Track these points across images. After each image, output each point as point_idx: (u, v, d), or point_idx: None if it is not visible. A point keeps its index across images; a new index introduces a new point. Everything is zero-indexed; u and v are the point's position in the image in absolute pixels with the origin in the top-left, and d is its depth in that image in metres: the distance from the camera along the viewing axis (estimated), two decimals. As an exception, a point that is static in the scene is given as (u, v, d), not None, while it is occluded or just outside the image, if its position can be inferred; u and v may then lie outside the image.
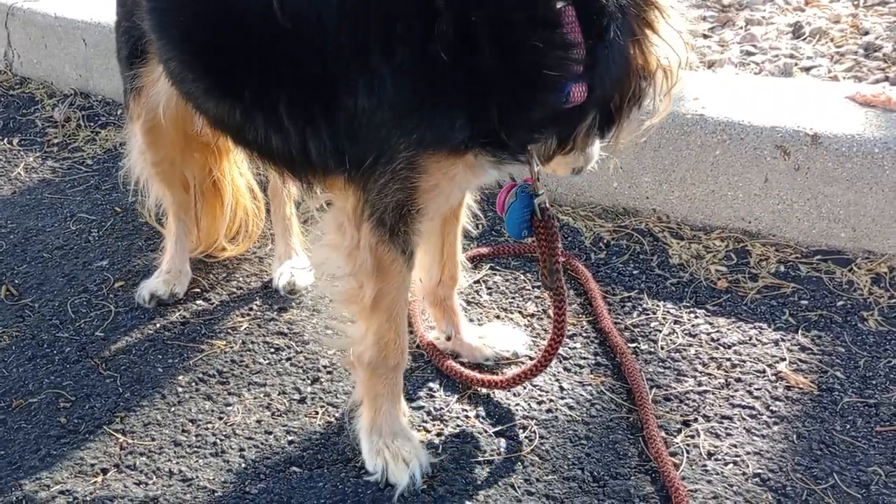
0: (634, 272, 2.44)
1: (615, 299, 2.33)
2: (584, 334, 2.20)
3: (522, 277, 2.43)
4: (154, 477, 1.83)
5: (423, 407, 1.99)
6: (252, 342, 2.22)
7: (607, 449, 1.87)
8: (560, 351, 2.13)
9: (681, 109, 2.56)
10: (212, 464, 1.86)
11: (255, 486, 1.80)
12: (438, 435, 1.92)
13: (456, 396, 2.02)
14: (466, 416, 1.97)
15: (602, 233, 2.60)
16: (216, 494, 1.78)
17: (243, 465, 1.85)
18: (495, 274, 2.45)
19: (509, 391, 2.02)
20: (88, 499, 1.77)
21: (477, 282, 2.42)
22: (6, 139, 3.37)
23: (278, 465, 1.85)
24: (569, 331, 2.21)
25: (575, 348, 2.16)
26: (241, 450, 1.89)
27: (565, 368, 2.09)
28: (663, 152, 2.58)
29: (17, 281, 2.52)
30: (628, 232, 2.60)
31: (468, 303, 2.33)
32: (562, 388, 2.03)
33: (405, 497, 1.75)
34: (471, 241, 2.59)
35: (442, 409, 1.99)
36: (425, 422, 1.96)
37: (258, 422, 1.96)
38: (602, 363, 2.11)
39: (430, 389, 2.04)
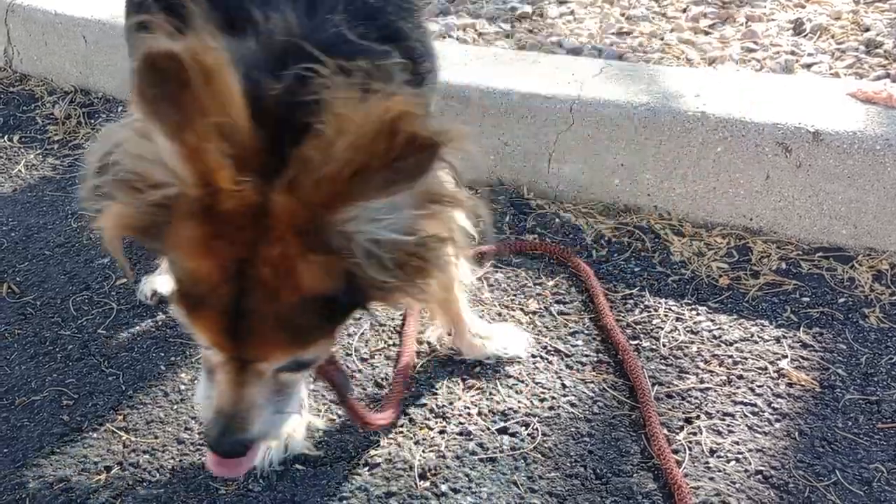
0: (636, 269, 2.44)
1: (617, 296, 2.33)
2: (586, 332, 2.20)
3: (524, 275, 2.43)
4: (157, 475, 1.83)
5: (425, 404, 1.99)
6: (254, 340, 2.22)
7: (610, 446, 1.87)
8: (562, 347, 2.14)
9: (682, 107, 2.56)
10: (215, 461, 1.86)
11: (258, 483, 1.80)
12: (441, 432, 1.92)
13: (459, 394, 2.02)
14: (469, 414, 1.97)
15: (603, 230, 2.60)
16: (220, 492, 1.78)
17: (246, 462, 1.85)
18: (497, 271, 2.45)
19: (499, 390, 2.02)
20: (92, 497, 1.77)
21: (479, 279, 2.42)
22: (6, 136, 3.36)
23: (281, 463, 1.85)
24: (571, 328, 2.21)
25: (577, 346, 2.16)
26: (244, 447, 1.89)
27: (567, 366, 2.09)
28: (664, 149, 2.58)
29: (18, 279, 2.51)
30: (629, 229, 2.60)
31: (470, 301, 2.33)
32: (564, 386, 2.03)
33: (407, 495, 1.75)
34: (471, 239, 2.58)
35: (444, 406, 1.99)
36: (427, 419, 1.96)
37: (261, 419, 1.96)
38: (604, 360, 2.11)
39: (433, 387, 2.04)
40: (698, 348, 2.14)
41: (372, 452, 1.87)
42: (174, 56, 1.04)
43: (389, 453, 1.86)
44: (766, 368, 2.06)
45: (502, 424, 1.93)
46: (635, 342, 2.16)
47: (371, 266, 1.17)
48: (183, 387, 2.07)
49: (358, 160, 1.07)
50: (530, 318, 2.27)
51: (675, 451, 1.84)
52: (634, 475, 1.80)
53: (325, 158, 1.09)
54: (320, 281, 1.18)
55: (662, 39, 3.27)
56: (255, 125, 1.13)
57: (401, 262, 1.18)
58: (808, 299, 2.29)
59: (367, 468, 1.83)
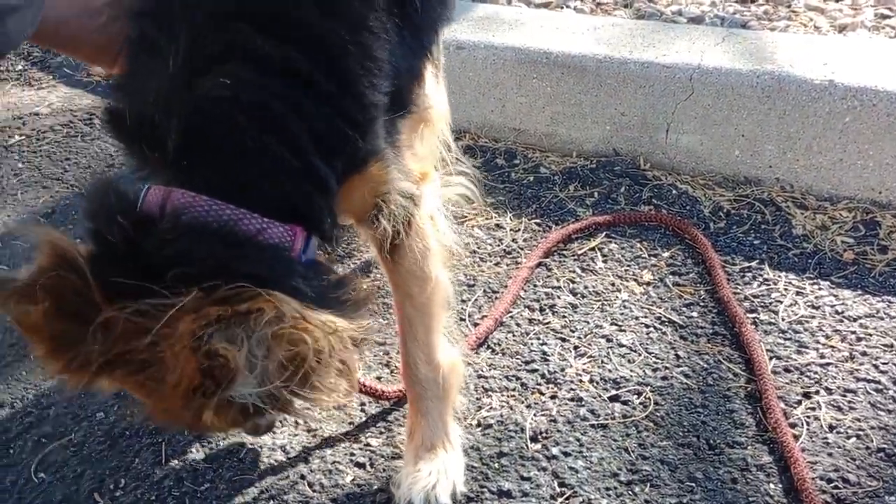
0: (755, 242, 2.38)
1: (734, 269, 2.29)
2: (702, 303, 2.17)
3: (639, 245, 2.41)
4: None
5: (537, 370, 2.02)
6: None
7: (724, 417, 1.85)
8: (676, 319, 2.12)
9: (808, 75, 2.47)
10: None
11: (375, 437, 1.87)
12: (552, 398, 1.94)
13: (570, 361, 2.03)
14: (580, 381, 1.98)
15: (722, 202, 2.55)
16: (326, 437, 1.86)
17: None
18: (611, 241, 2.44)
19: (611, 359, 2.02)
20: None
21: (592, 249, 2.42)
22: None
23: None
24: (686, 300, 2.19)
25: (692, 317, 2.13)
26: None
27: (682, 337, 2.07)
28: (788, 120, 2.51)
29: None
30: (749, 201, 2.54)
31: (583, 270, 2.34)
32: (678, 356, 2.02)
33: (518, 456, 1.79)
34: (586, 210, 2.59)
35: (556, 372, 2.01)
36: (539, 385, 1.98)
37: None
38: (720, 332, 2.08)
39: (545, 353, 2.06)
40: (819, 323, 2.08)
41: (484, 414, 1.91)
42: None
43: (501, 415, 1.90)
44: (891, 345, 1.99)
45: (614, 392, 1.94)
46: (753, 315, 2.12)
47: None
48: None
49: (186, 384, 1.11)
50: (644, 288, 2.25)
51: (793, 426, 1.80)
52: (749, 447, 1.77)
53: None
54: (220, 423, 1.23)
55: (789, 7, 3.16)
56: None
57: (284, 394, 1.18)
58: (940, 276, 2.19)
59: (479, 428, 1.87)
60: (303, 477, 1.77)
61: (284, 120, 1.22)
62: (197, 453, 1.84)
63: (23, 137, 3.35)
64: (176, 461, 1.82)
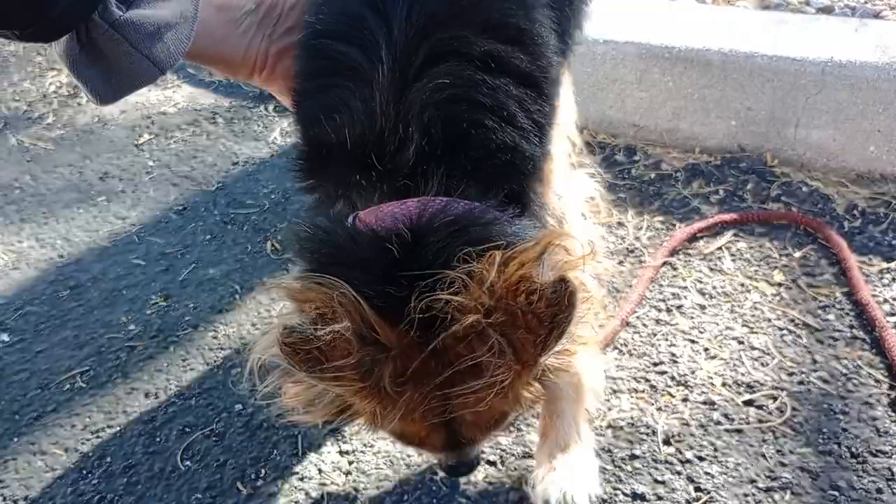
0: (894, 242, 2.29)
1: (872, 270, 2.20)
2: (838, 306, 2.10)
3: (768, 245, 2.35)
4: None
5: (666, 372, 1.99)
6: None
7: (866, 425, 1.79)
8: (811, 322, 2.06)
9: (953, 67, 2.36)
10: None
11: (505, 437, 1.88)
12: (684, 400, 1.91)
13: (701, 363, 2.00)
14: (712, 384, 1.95)
15: (856, 200, 2.46)
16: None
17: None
18: (739, 240, 2.39)
19: (743, 362, 1.98)
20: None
21: (719, 248, 2.37)
22: (262, 106, 3.65)
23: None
24: (821, 302, 2.12)
25: (828, 320, 2.07)
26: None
27: (818, 340, 2.01)
28: (930, 114, 2.40)
29: (279, 237, 2.74)
30: (887, 199, 2.44)
31: (710, 270, 2.29)
32: (814, 361, 1.96)
33: (651, 459, 1.77)
34: (711, 207, 2.53)
35: (686, 375, 1.98)
36: (669, 387, 1.96)
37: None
38: (858, 336, 2.01)
39: (674, 355, 2.03)
40: (967, 328, 1.99)
41: (614, 415, 1.90)
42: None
43: (632, 417, 1.88)
44: None
45: (748, 396, 1.90)
46: (894, 319, 2.04)
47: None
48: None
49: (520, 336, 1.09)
50: (776, 289, 2.19)
51: (941, 436, 1.73)
52: (894, 457, 1.71)
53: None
54: (514, 406, 1.29)
55: (926, -6, 3.01)
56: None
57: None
58: None
59: (610, 430, 1.86)
60: (436, 473, 1.80)
61: (516, 117, 1.23)
62: (332, 446, 1.89)
63: (152, 136, 3.49)
64: (313, 454, 1.87)
